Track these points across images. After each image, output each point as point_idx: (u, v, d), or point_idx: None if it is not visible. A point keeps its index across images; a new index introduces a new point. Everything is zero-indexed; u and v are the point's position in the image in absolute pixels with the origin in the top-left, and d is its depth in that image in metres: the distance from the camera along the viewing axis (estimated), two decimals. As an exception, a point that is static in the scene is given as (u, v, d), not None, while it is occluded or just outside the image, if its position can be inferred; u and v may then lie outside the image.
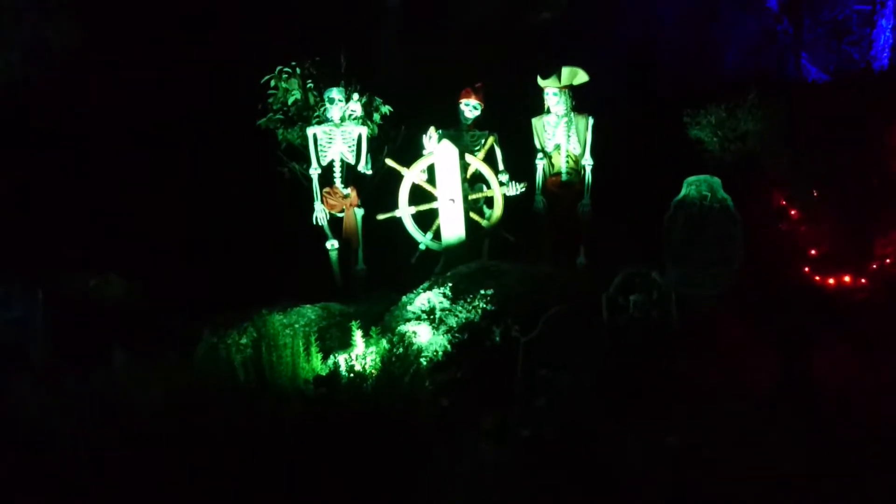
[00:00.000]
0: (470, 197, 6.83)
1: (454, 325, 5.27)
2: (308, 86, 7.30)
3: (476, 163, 6.81)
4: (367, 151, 7.11)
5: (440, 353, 5.10)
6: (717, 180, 5.79)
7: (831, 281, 6.04)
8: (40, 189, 7.44)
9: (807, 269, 6.19)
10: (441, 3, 9.67)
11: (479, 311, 5.33)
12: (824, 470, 4.09)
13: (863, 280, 6.03)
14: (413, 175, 6.82)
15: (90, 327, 5.84)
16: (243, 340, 4.99)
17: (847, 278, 6.03)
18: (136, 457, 4.20)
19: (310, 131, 7.03)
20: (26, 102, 7.68)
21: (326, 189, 7.08)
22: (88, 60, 8.01)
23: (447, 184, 6.57)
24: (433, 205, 6.78)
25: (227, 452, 4.11)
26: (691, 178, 5.83)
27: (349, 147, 7.06)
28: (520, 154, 7.13)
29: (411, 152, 7.02)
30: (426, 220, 6.94)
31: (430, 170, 6.77)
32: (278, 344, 4.63)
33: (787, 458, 4.18)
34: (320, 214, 7.03)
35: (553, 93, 6.90)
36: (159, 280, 6.75)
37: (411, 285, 5.93)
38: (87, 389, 4.76)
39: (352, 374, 4.46)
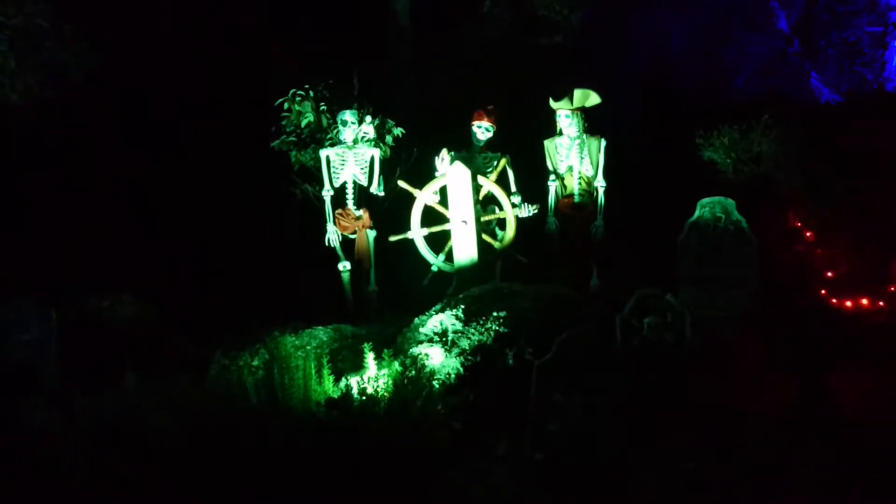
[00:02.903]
0: (482, 218, 6.82)
1: (467, 348, 5.24)
2: (321, 108, 7.36)
3: (488, 184, 6.81)
4: (380, 173, 7.13)
5: (453, 375, 5.06)
6: (731, 202, 5.75)
7: (848, 303, 5.97)
8: (55, 209, 7.50)
9: (823, 291, 6.12)
10: (454, 25, 9.75)
11: (492, 333, 5.30)
12: (844, 495, 4.01)
13: (881, 303, 5.95)
14: (425, 197, 6.82)
15: (103, 348, 5.85)
16: (255, 362, 4.99)
17: (864, 301, 5.95)
18: (149, 478, 4.19)
19: (322, 153, 7.07)
20: (43, 124, 7.77)
21: (339, 211, 7.09)
22: (105, 84, 8.11)
23: (459, 205, 6.57)
24: (445, 226, 6.78)
25: (239, 474, 4.09)
26: (705, 200, 5.80)
27: (362, 169, 7.08)
28: (532, 176, 7.12)
29: (424, 174, 7.03)
30: (438, 241, 6.93)
31: (443, 191, 6.77)
32: (290, 366, 4.63)
33: (806, 483, 4.10)
34: (332, 236, 7.03)
35: (565, 115, 6.90)
36: (172, 301, 6.76)
37: (423, 307, 5.91)
38: (99, 411, 4.76)
39: (364, 397, 4.43)
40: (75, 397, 5.01)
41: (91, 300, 6.42)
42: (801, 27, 10.53)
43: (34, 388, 5.38)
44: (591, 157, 6.93)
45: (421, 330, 5.52)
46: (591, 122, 6.98)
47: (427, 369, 4.83)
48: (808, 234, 6.50)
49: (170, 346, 6.14)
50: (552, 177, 7.03)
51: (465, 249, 6.59)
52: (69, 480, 4.21)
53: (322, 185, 7.05)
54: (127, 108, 8.24)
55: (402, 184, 6.93)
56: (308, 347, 5.54)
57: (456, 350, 5.24)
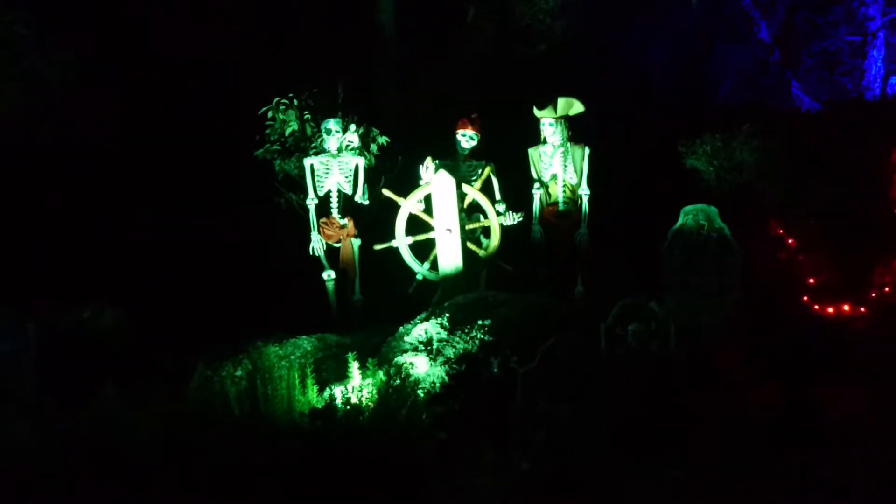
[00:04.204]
0: (467, 227, 6.82)
1: (452, 357, 5.22)
2: (305, 117, 7.34)
3: (473, 193, 6.81)
4: (364, 182, 7.12)
5: (438, 384, 5.04)
6: (713, 209, 5.79)
7: (830, 310, 6.02)
8: (35, 219, 7.42)
9: (805, 297, 6.17)
10: (439, 34, 9.78)
11: (477, 341, 5.28)
12: (831, 501, 4.03)
13: (862, 309, 6.00)
14: (410, 205, 6.81)
15: (83, 360, 5.77)
16: (238, 372, 4.93)
17: (846, 307, 6.00)
18: (128, 492, 4.13)
19: (307, 162, 7.05)
20: (23, 134, 7.70)
21: (323, 219, 7.07)
22: (86, 92, 8.06)
23: (444, 214, 6.56)
24: (430, 235, 6.76)
25: (220, 486, 4.04)
26: (688, 208, 5.83)
27: (346, 177, 7.07)
28: (517, 184, 7.14)
29: (408, 182, 7.02)
30: (423, 250, 6.92)
31: (428, 200, 6.76)
32: (273, 376, 4.59)
33: (792, 489, 4.12)
34: (317, 245, 7.00)
35: (549, 123, 6.93)
36: (154, 312, 6.70)
37: (408, 316, 5.88)
38: (78, 424, 4.69)
39: (348, 407, 4.40)
40: (54, 410, 4.93)
41: (71, 311, 6.34)
42: (781, 37, 10.68)
43: (12, 401, 5.30)
44: (574, 165, 6.96)
45: (406, 339, 5.49)
46: (575, 130, 7.01)
47: (412, 378, 4.80)
48: (790, 241, 6.55)
49: (151, 356, 6.07)
50: (536, 185, 7.06)
51: (449, 258, 6.58)
52: (45, 494, 4.14)
53: (306, 194, 7.03)
54: (108, 116, 8.18)
55: (386, 192, 6.92)
56: (292, 357, 5.50)
57: (441, 359, 5.22)
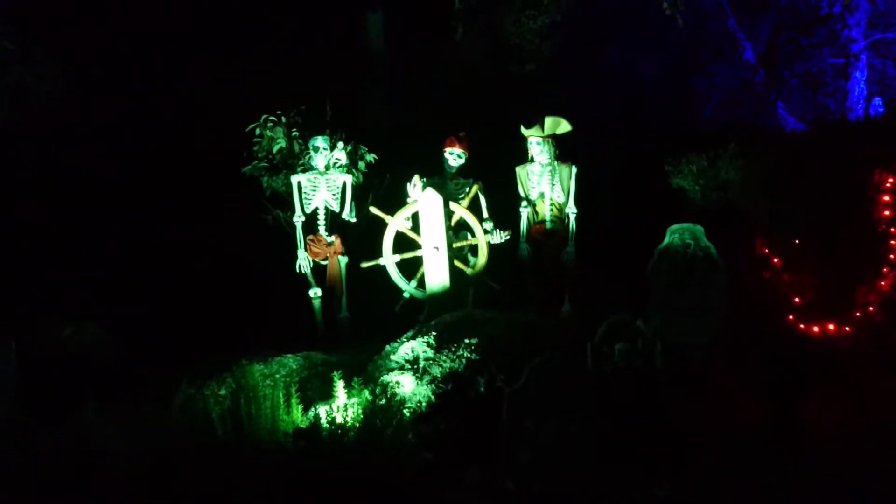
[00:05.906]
0: (454, 245, 6.81)
1: (438, 375, 5.19)
2: (293, 134, 7.34)
3: (460, 211, 6.82)
4: (352, 199, 7.11)
5: (424, 403, 5.01)
6: (699, 228, 5.81)
7: (815, 329, 6.04)
8: (17, 235, 7.35)
9: (791, 316, 6.19)
10: (427, 52, 9.83)
11: (464, 360, 5.26)
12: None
13: (846, 328, 6.03)
14: (397, 223, 6.81)
15: (65, 378, 5.70)
16: (222, 391, 4.90)
17: (831, 326, 6.03)
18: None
19: (294, 179, 7.04)
20: (6, 149, 7.65)
21: (310, 237, 7.06)
22: (72, 106, 8.03)
23: (431, 232, 6.56)
24: (417, 253, 6.76)
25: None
26: (674, 227, 5.85)
27: (333, 195, 7.07)
28: (504, 202, 7.15)
29: (396, 200, 7.02)
30: (410, 268, 6.90)
31: (415, 218, 6.76)
32: (258, 395, 4.54)
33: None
34: (304, 262, 6.98)
35: (536, 142, 6.96)
36: (138, 329, 6.63)
37: (395, 334, 5.85)
38: (60, 443, 4.62)
39: (333, 427, 4.36)
40: (35, 429, 4.86)
41: (53, 328, 6.27)
42: (766, 58, 10.82)
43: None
44: (562, 184, 6.99)
45: (392, 357, 5.46)
46: (563, 149, 7.05)
47: (398, 397, 4.77)
48: (775, 260, 6.58)
49: (134, 375, 6.00)
50: (524, 203, 7.07)
51: (437, 276, 6.57)
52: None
53: (293, 211, 7.02)
54: (94, 131, 8.15)
55: (374, 210, 6.91)
56: (277, 376, 5.45)
57: (427, 378, 5.19)
